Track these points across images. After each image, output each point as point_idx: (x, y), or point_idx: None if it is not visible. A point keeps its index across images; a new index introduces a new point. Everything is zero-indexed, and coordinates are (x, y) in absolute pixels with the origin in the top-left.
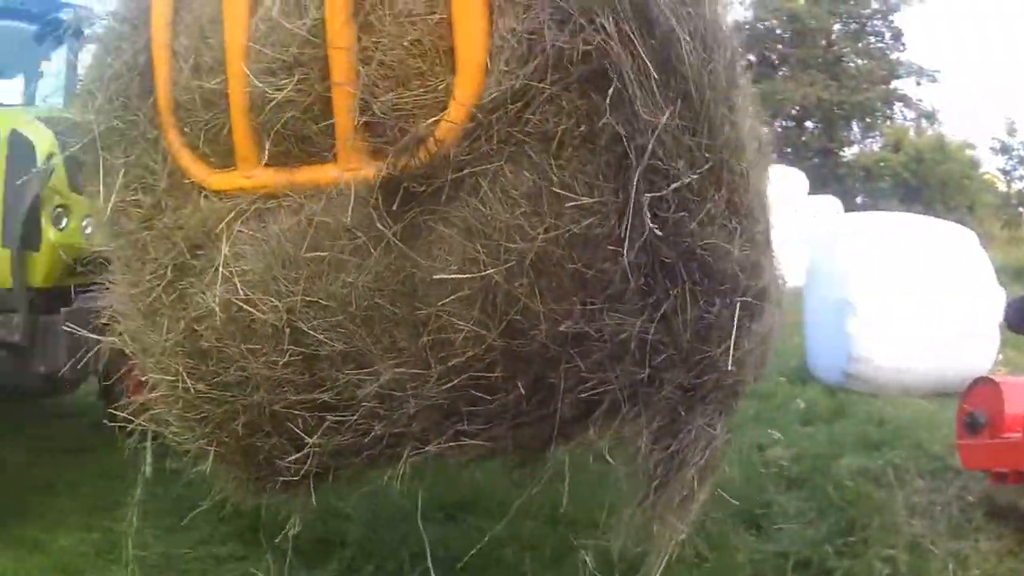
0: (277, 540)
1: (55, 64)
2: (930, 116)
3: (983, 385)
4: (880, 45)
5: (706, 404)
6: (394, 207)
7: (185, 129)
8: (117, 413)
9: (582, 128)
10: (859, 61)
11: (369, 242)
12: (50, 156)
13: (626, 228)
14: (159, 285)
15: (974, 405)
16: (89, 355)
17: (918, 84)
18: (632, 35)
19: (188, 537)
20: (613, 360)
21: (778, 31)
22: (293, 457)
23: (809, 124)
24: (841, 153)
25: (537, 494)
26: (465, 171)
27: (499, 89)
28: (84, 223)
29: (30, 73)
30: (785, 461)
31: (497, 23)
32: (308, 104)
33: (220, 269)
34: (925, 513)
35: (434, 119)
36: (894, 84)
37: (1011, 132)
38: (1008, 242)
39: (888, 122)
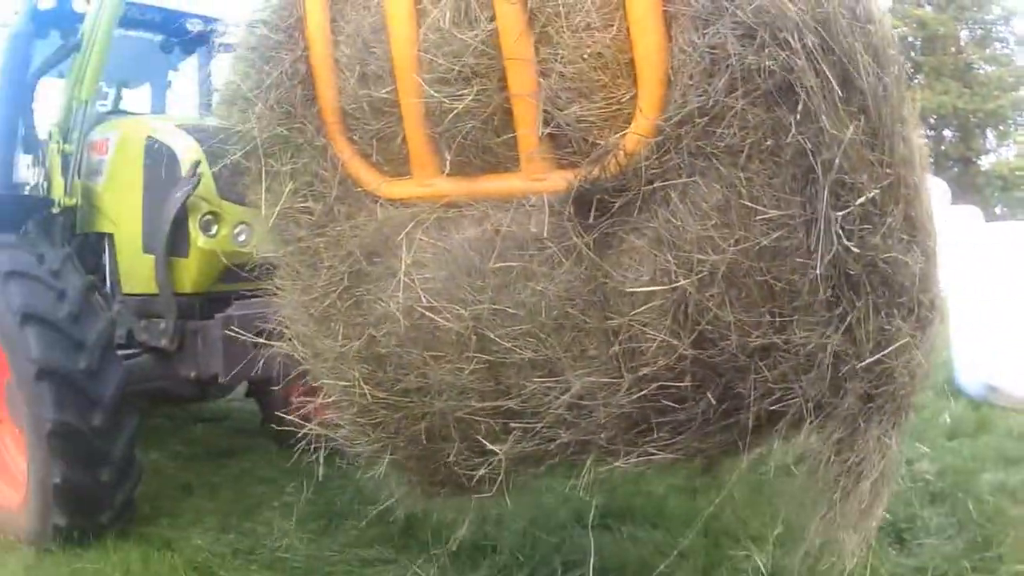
0: (428, 544)
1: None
2: None
3: None
4: (1006, 51)
5: (882, 414)
6: (587, 218)
7: (354, 137)
8: (283, 417)
9: (769, 142)
10: (988, 68)
11: (560, 252)
12: (196, 164)
13: (817, 240)
14: (334, 292)
15: None
16: (245, 361)
17: None
18: (815, 50)
19: (335, 540)
20: (800, 371)
21: (910, 38)
22: (473, 463)
23: (947, 133)
24: (978, 162)
25: (695, 505)
26: (656, 183)
27: (686, 102)
28: (236, 230)
29: (157, 83)
30: (930, 476)
31: (676, 37)
32: (488, 115)
33: (401, 277)
34: None
35: (623, 132)
36: (1022, 91)
37: None
38: None
39: (1019, 129)
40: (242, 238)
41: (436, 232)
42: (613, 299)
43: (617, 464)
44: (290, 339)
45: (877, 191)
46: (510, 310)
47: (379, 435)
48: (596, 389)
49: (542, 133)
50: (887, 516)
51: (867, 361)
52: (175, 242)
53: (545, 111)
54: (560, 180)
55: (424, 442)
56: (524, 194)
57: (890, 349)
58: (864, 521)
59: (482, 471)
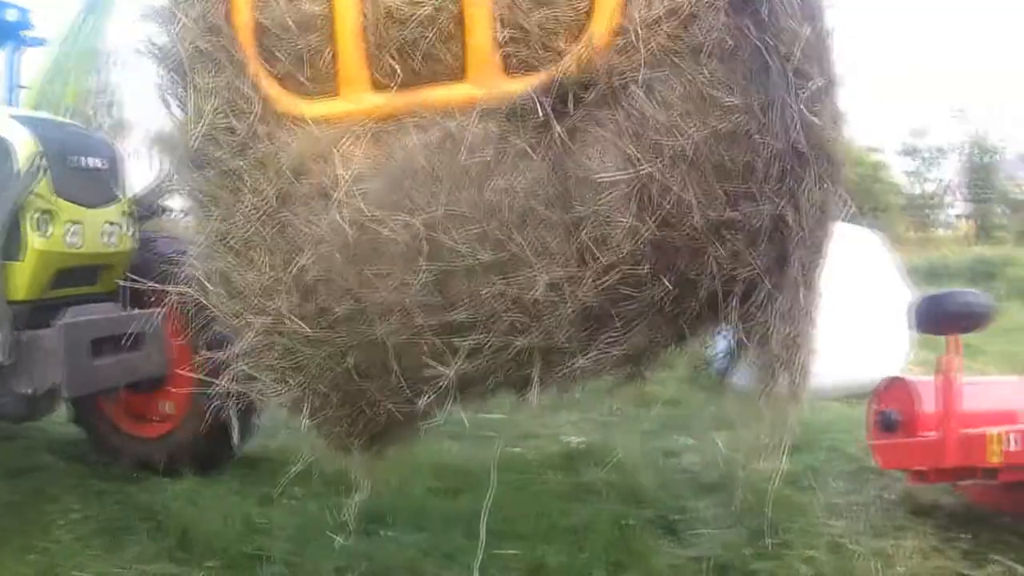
0: (203, 555)
1: None
2: None
3: (896, 385)
4: None
5: (814, 285)
6: (557, 113)
7: (277, 55)
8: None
9: (730, 42)
10: None
11: (528, 146)
12: (36, 157)
13: (777, 119)
14: (257, 217)
15: (887, 405)
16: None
17: None
18: None
19: (120, 556)
20: (751, 243)
21: None
22: (412, 392)
23: None
24: None
25: (456, 505)
26: (622, 78)
27: (651, 6)
28: (67, 230)
29: None
30: (698, 467)
31: None
32: (441, 23)
33: (340, 194)
34: (845, 514)
35: (593, 32)
36: None
37: (916, 135)
38: (918, 243)
39: None
40: (73, 239)
41: (374, 145)
42: (577, 190)
43: (573, 364)
44: (199, 280)
45: (823, 80)
46: (467, 212)
47: (299, 380)
48: (559, 283)
49: (503, 38)
50: (654, 508)
51: (808, 228)
52: (7, 244)
53: (502, 17)
54: (511, 86)
55: (352, 380)
56: (474, 100)
57: (825, 218)
58: (799, 392)
59: (423, 399)
